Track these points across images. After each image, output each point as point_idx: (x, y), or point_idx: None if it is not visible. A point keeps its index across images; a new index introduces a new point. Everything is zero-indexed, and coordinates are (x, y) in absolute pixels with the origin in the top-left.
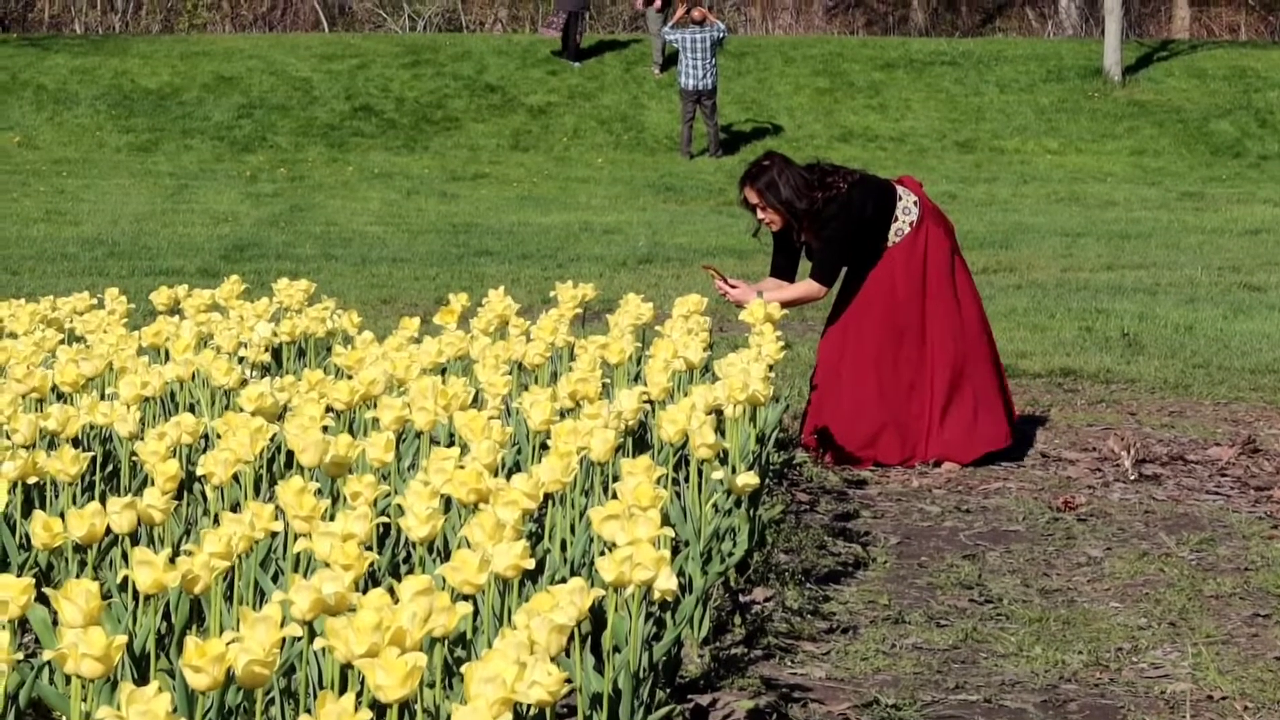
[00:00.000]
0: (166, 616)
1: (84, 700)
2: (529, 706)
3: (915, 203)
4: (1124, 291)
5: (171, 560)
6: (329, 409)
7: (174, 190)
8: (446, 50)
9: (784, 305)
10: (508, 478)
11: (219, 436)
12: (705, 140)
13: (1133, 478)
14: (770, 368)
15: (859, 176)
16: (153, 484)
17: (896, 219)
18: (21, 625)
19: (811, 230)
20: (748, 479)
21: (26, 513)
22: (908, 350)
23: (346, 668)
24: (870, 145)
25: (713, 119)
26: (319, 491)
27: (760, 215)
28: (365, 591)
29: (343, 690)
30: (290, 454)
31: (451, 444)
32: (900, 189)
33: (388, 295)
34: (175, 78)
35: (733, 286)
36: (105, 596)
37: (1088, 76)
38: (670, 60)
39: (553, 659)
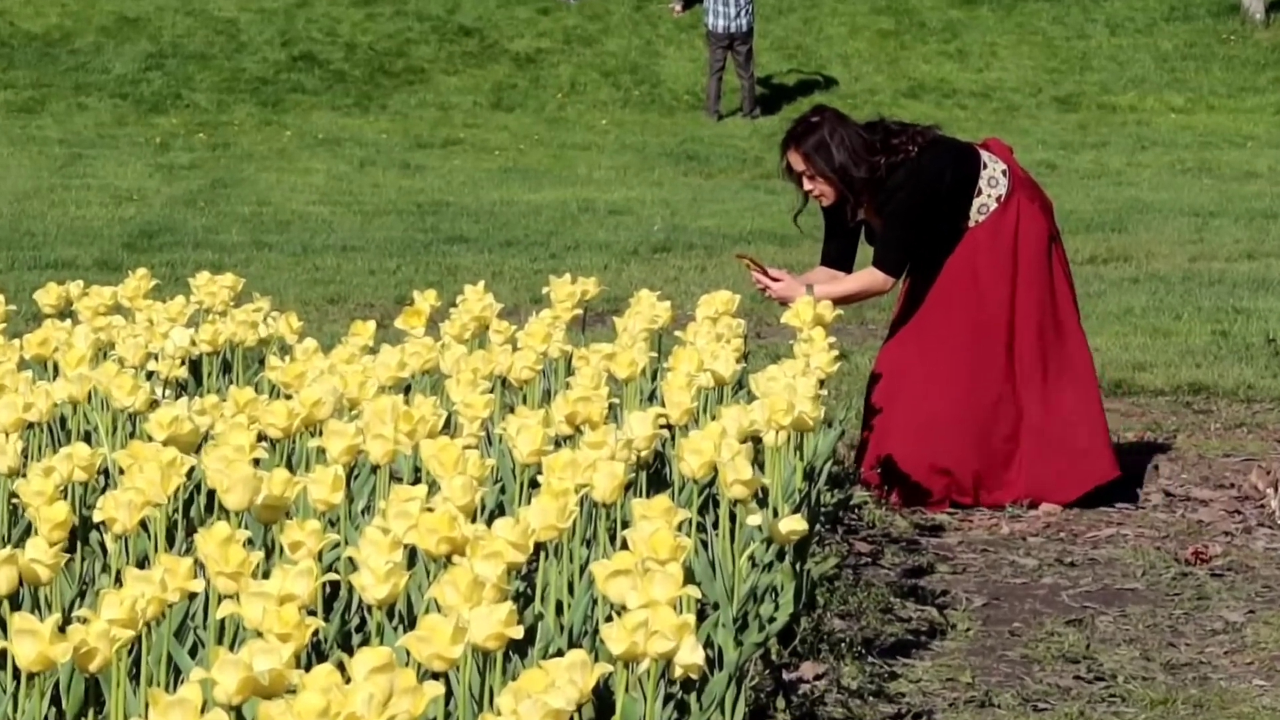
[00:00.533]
0: (56, 701)
1: None
2: None
3: (1004, 172)
4: (1269, 286)
5: (61, 629)
6: (261, 437)
7: (64, 161)
8: None
9: (838, 302)
10: (488, 523)
11: (122, 472)
12: (738, 96)
13: None
14: (821, 384)
15: (933, 137)
16: (37, 533)
17: (980, 192)
18: None
19: (873, 205)
20: (793, 524)
21: None
22: (992, 357)
23: None
24: (946, 102)
25: (748, 69)
26: (249, 542)
27: (807, 186)
28: (308, 668)
29: None
30: (212, 494)
31: (417, 481)
32: (985, 154)
33: (336, 293)
34: (65, 19)
35: (774, 279)
36: None
37: (1222, 14)
38: None
39: None
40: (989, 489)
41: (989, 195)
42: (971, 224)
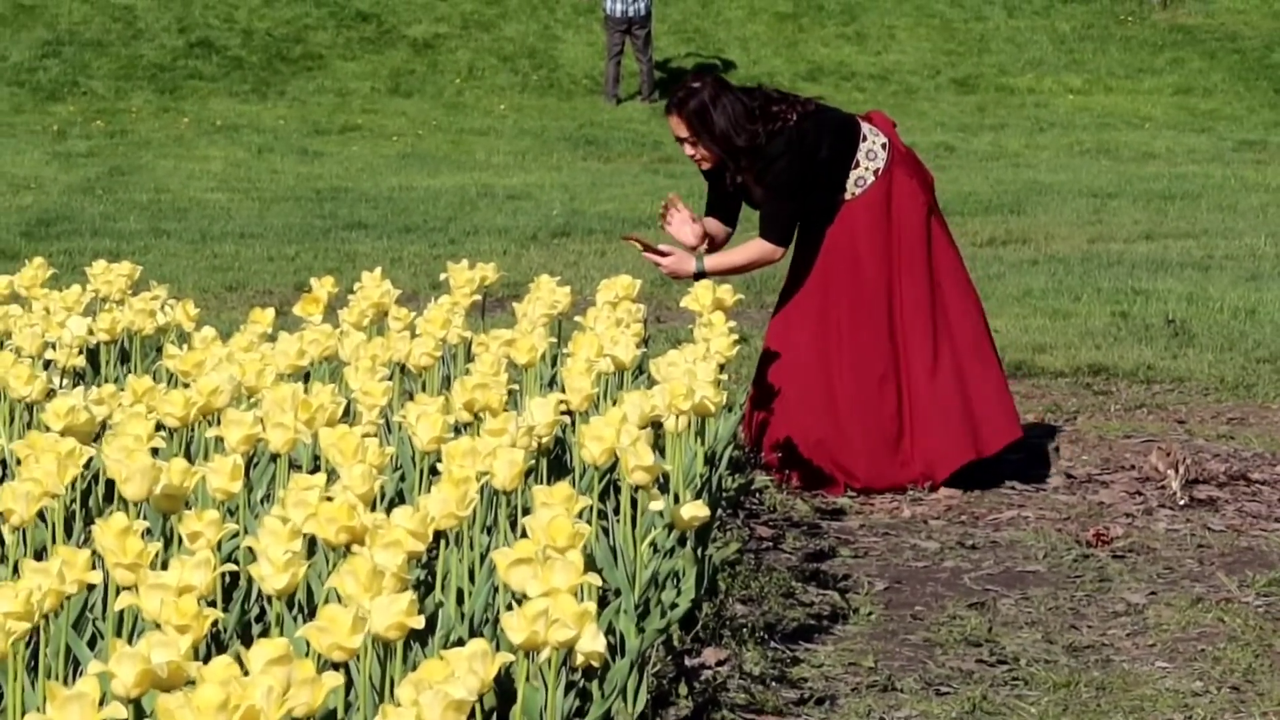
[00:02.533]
0: None
1: None
2: None
3: (883, 145)
4: (1168, 267)
5: None
6: (159, 426)
7: None
8: None
9: (731, 272)
10: (388, 512)
11: (19, 463)
12: (637, 81)
13: (1182, 503)
14: (722, 368)
15: (813, 107)
16: None
17: (858, 164)
18: None
19: (752, 172)
20: (695, 510)
21: None
22: (875, 336)
23: None
24: (845, 85)
25: (646, 53)
26: (147, 532)
27: (689, 151)
28: (207, 660)
29: None
30: (111, 484)
31: (316, 469)
32: (866, 127)
33: (234, 280)
34: None
35: (664, 254)
36: None
37: None
38: None
39: None
40: (883, 470)
41: (866, 168)
42: (848, 196)
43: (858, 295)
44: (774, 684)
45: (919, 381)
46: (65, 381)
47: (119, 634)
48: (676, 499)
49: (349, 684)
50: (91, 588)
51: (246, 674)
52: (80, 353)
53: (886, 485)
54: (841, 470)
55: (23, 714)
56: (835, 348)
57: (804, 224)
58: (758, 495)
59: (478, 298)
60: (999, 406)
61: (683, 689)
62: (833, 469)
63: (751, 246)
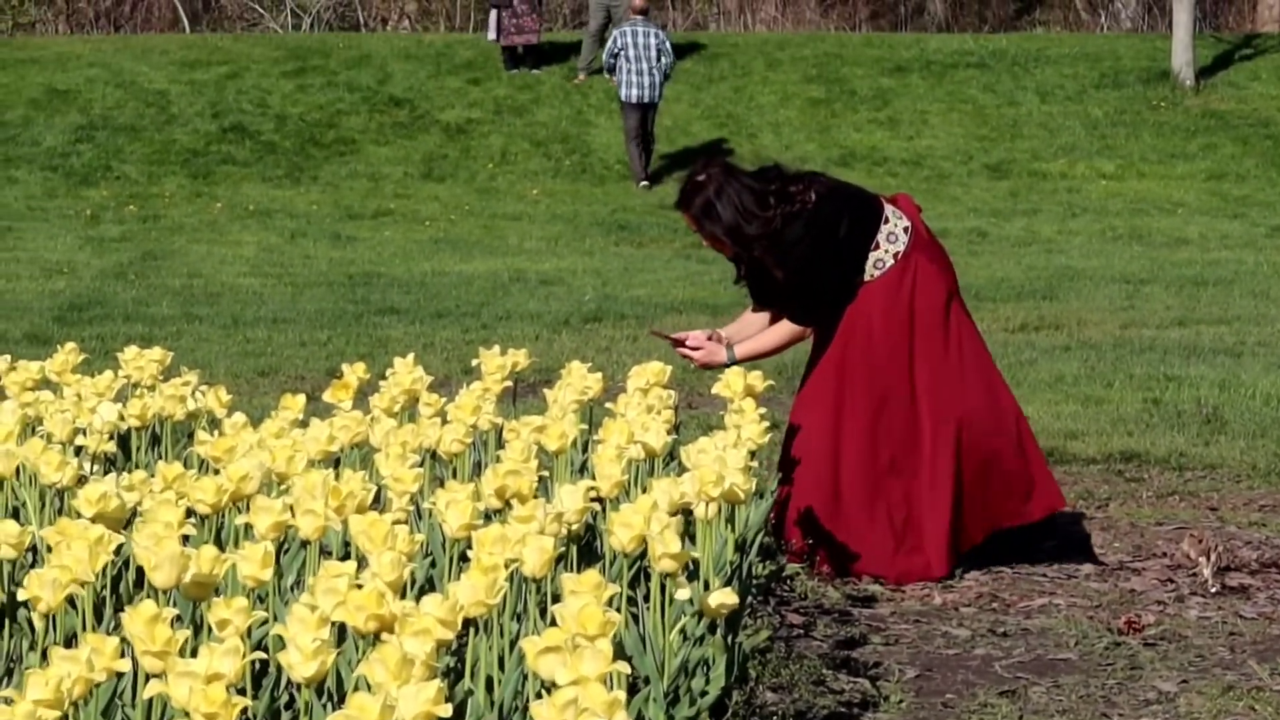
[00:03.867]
0: None
1: None
2: None
3: (905, 229)
4: (1200, 353)
5: None
6: (190, 513)
7: None
8: (339, 54)
9: (763, 356)
10: (417, 599)
11: (49, 550)
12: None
13: (1214, 590)
14: (752, 454)
15: (832, 185)
16: None
17: (878, 245)
18: None
19: (771, 256)
20: (724, 597)
21: None
22: (885, 419)
23: None
24: (877, 170)
25: (652, 136)
26: (177, 620)
27: (706, 244)
28: None
29: None
30: (140, 571)
31: (346, 557)
32: (889, 209)
33: (266, 366)
34: None
35: (694, 349)
36: None
37: (1152, 81)
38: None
39: None
40: (888, 559)
41: (886, 250)
42: (867, 278)
43: (871, 380)
44: None
45: (925, 469)
46: (96, 468)
47: None
48: (706, 586)
49: None
50: (121, 675)
51: None
52: (111, 439)
53: (894, 575)
54: (849, 558)
55: None
56: (847, 433)
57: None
58: (788, 582)
59: (509, 384)
60: (1021, 486)
61: None
62: (843, 557)
63: (779, 330)
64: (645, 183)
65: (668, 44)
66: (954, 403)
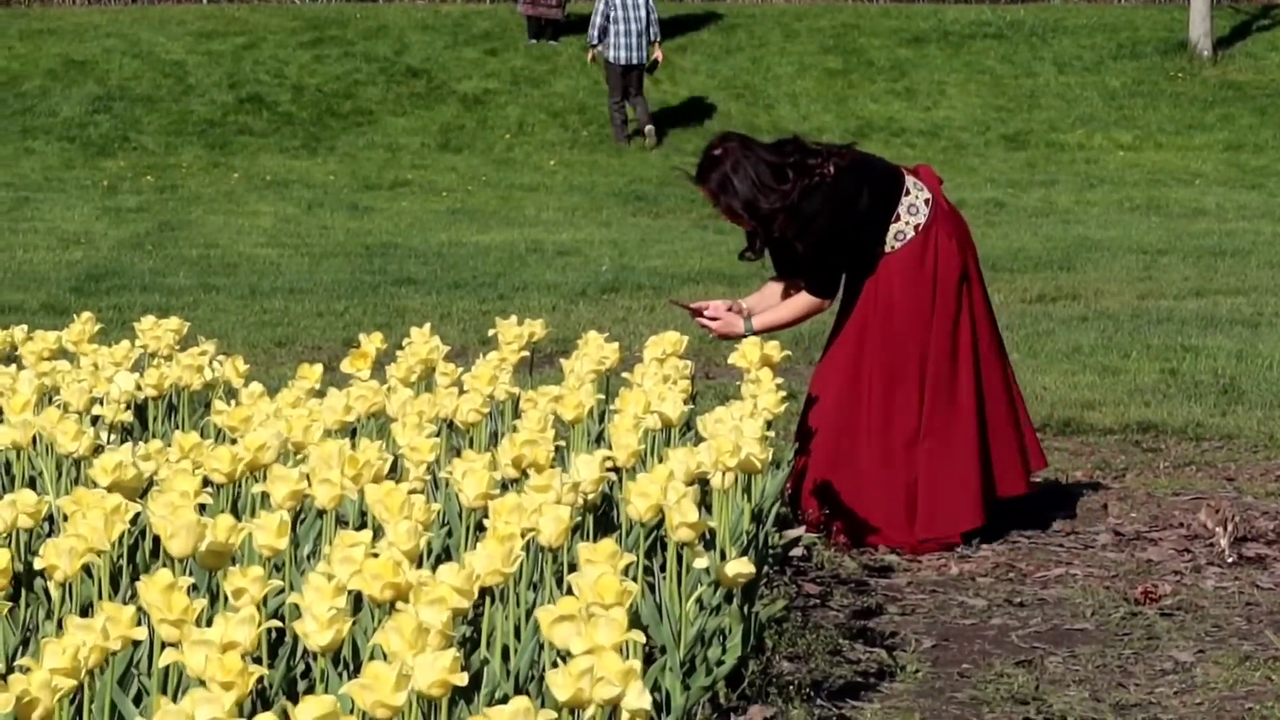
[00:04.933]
0: None
1: None
2: None
3: (926, 201)
4: (1218, 324)
5: (3, 678)
6: (206, 482)
7: (11, 205)
8: (356, 24)
9: (781, 327)
10: (434, 569)
11: (65, 519)
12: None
13: (1231, 560)
14: (769, 424)
15: (853, 157)
16: None
17: (898, 217)
18: None
19: (791, 229)
20: (740, 567)
21: None
22: (902, 392)
23: None
24: (895, 141)
25: (640, 91)
26: (193, 588)
27: (724, 218)
28: (252, 716)
29: None
30: (157, 540)
31: (362, 526)
32: (910, 180)
33: (283, 336)
34: (12, 62)
35: (712, 319)
36: None
37: (1169, 52)
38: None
39: None
40: (903, 531)
41: (907, 222)
42: (887, 249)
43: (890, 351)
44: None
45: (938, 443)
46: (113, 437)
47: (164, 691)
48: (723, 556)
49: None
50: (137, 644)
51: None
52: (128, 408)
53: (909, 546)
54: (866, 529)
55: None
56: (865, 406)
57: (845, 275)
58: (805, 552)
59: (526, 354)
60: (1019, 458)
61: None
62: (859, 528)
63: (798, 301)
64: (640, 136)
65: (655, 9)
66: (970, 373)
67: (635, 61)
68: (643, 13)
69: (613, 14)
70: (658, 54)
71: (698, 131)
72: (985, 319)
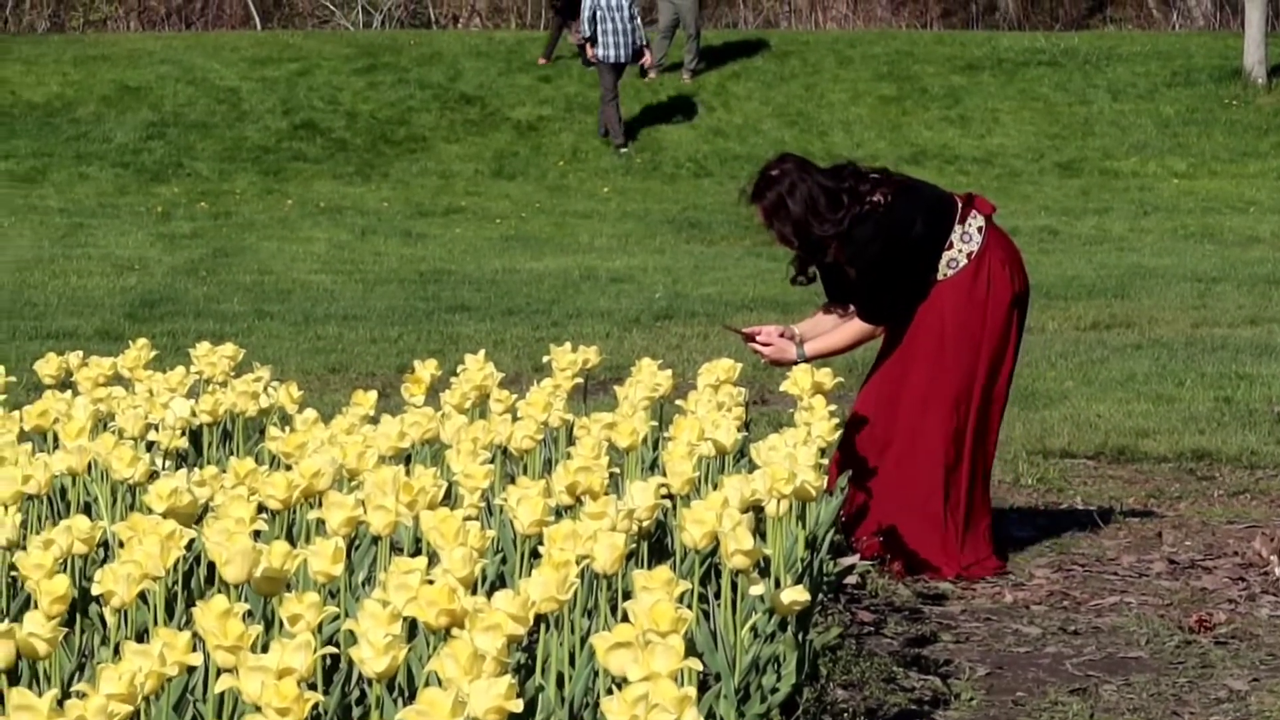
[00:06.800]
0: None
1: None
2: None
3: (980, 229)
4: (1272, 352)
5: (60, 704)
6: (261, 508)
7: (66, 230)
8: (410, 52)
9: (833, 354)
10: (489, 595)
11: (121, 545)
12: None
13: None
14: (823, 452)
15: (906, 184)
16: (36, 606)
17: (951, 244)
18: None
19: (842, 255)
20: (795, 595)
21: None
22: (946, 421)
23: None
24: (948, 168)
25: (645, 76)
26: (248, 614)
27: (774, 239)
28: None
29: None
30: (212, 566)
31: (417, 552)
32: (964, 207)
33: (337, 363)
34: (67, 88)
35: (764, 345)
36: None
37: (1224, 79)
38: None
39: None
40: (940, 559)
41: (960, 250)
42: (940, 277)
43: (940, 378)
44: None
45: (981, 468)
46: (168, 463)
47: (219, 717)
48: (777, 583)
49: None
50: (192, 670)
51: None
52: (183, 435)
53: (962, 571)
54: (918, 556)
55: None
56: (913, 431)
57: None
58: (860, 579)
59: (580, 380)
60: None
61: None
62: (911, 555)
63: (851, 328)
64: (625, 147)
65: (638, 13)
66: (1005, 400)
67: (623, 60)
68: (625, 13)
69: (599, 13)
70: (647, 58)
71: (751, 160)
72: (1014, 350)
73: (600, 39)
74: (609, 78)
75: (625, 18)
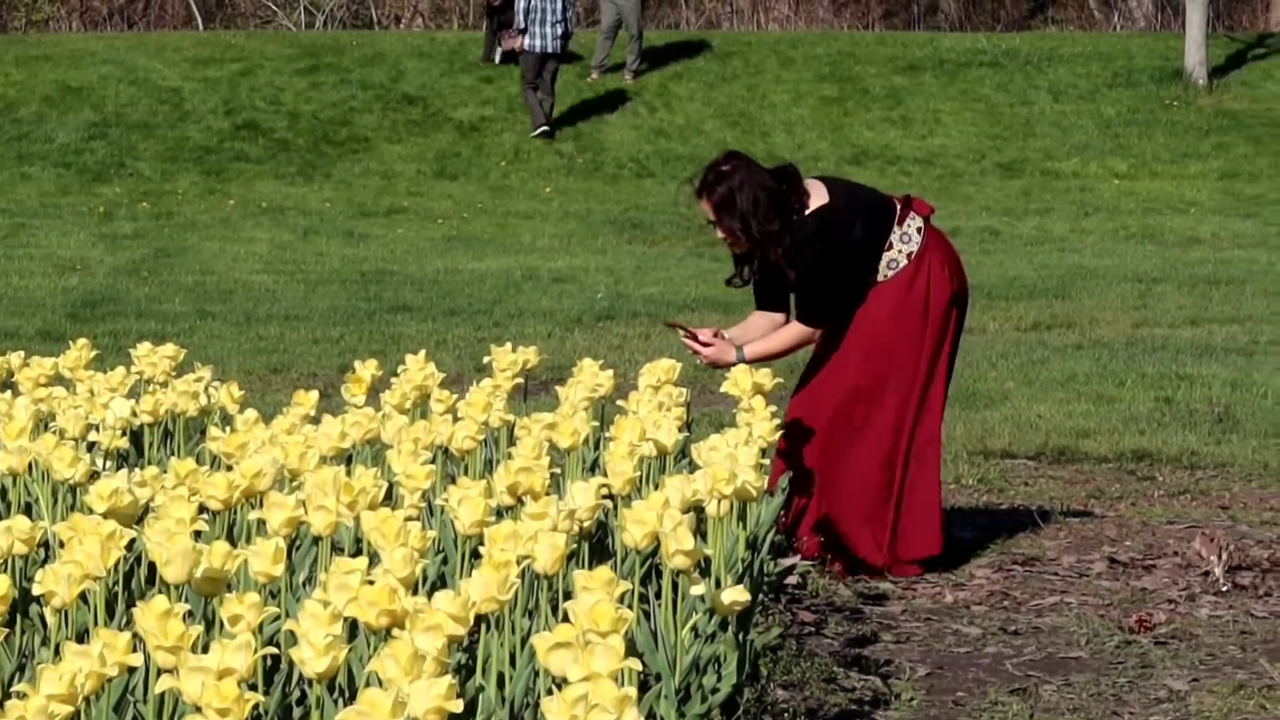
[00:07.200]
0: None
1: None
2: None
3: (919, 230)
4: (1212, 353)
5: None
6: (202, 509)
7: (7, 231)
8: (352, 52)
9: (773, 358)
10: (429, 596)
11: (62, 545)
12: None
13: (1225, 589)
14: (763, 452)
15: (845, 187)
16: None
17: (891, 245)
18: None
19: (784, 257)
20: (736, 595)
21: None
22: (886, 419)
23: None
24: (890, 169)
25: (552, 89)
26: (189, 615)
27: (719, 234)
28: None
29: None
30: (152, 567)
31: (358, 553)
32: (902, 210)
33: (278, 363)
34: (8, 88)
35: (704, 344)
36: None
37: (1165, 80)
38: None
39: None
40: (872, 553)
41: (900, 251)
42: (879, 278)
43: (876, 376)
44: None
45: (917, 465)
46: (108, 464)
47: (160, 717)
48: (718, 584)
49: None
50: (133, 670)
51: None
52: (124, 435)
53: (900, 566)
54: (857, 555)
55: None
56: (848, 432)
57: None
58: (800, 580)
59: (520, 381)
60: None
61: None
62: (850, 554)
63: (790, 331)
64: (545, 128)
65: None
66: (942, 397)
67: (550, 51)
68: (558, 5)
69: (531, 4)
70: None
71: (693, 160)
72: (949, 350)
73: (530, 28)
74: (533, 69)
75: (557, 9)
